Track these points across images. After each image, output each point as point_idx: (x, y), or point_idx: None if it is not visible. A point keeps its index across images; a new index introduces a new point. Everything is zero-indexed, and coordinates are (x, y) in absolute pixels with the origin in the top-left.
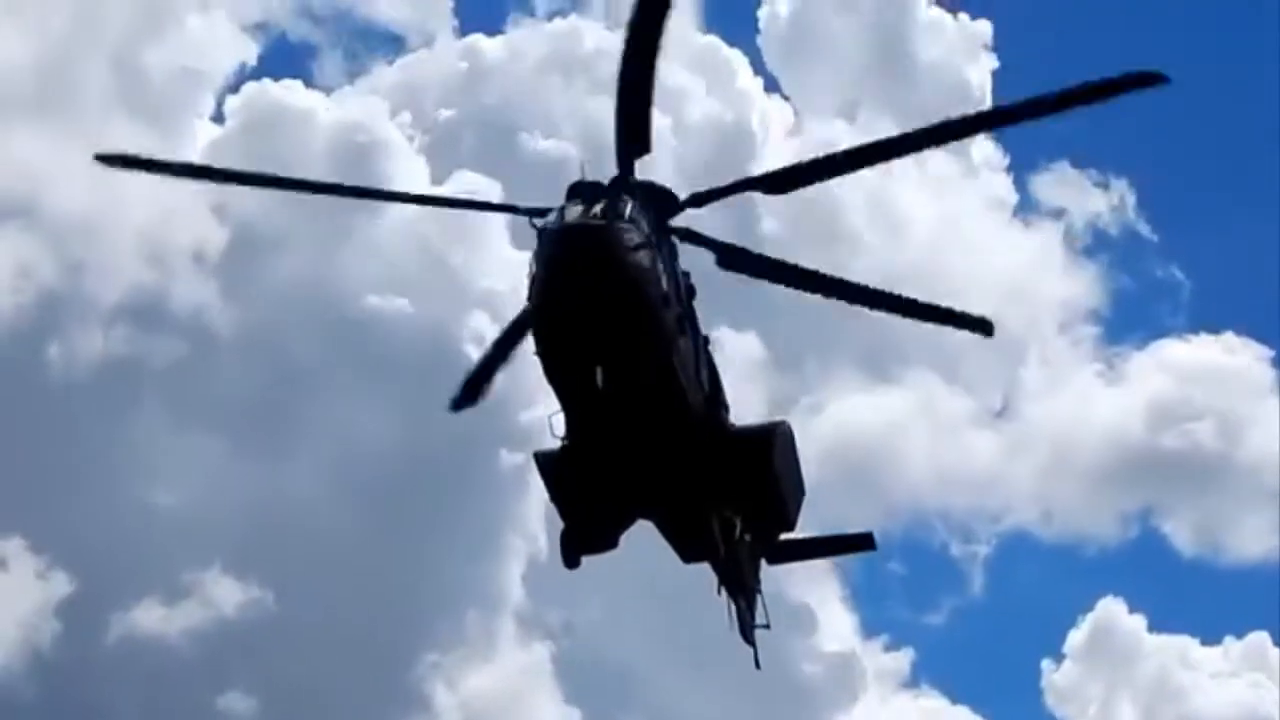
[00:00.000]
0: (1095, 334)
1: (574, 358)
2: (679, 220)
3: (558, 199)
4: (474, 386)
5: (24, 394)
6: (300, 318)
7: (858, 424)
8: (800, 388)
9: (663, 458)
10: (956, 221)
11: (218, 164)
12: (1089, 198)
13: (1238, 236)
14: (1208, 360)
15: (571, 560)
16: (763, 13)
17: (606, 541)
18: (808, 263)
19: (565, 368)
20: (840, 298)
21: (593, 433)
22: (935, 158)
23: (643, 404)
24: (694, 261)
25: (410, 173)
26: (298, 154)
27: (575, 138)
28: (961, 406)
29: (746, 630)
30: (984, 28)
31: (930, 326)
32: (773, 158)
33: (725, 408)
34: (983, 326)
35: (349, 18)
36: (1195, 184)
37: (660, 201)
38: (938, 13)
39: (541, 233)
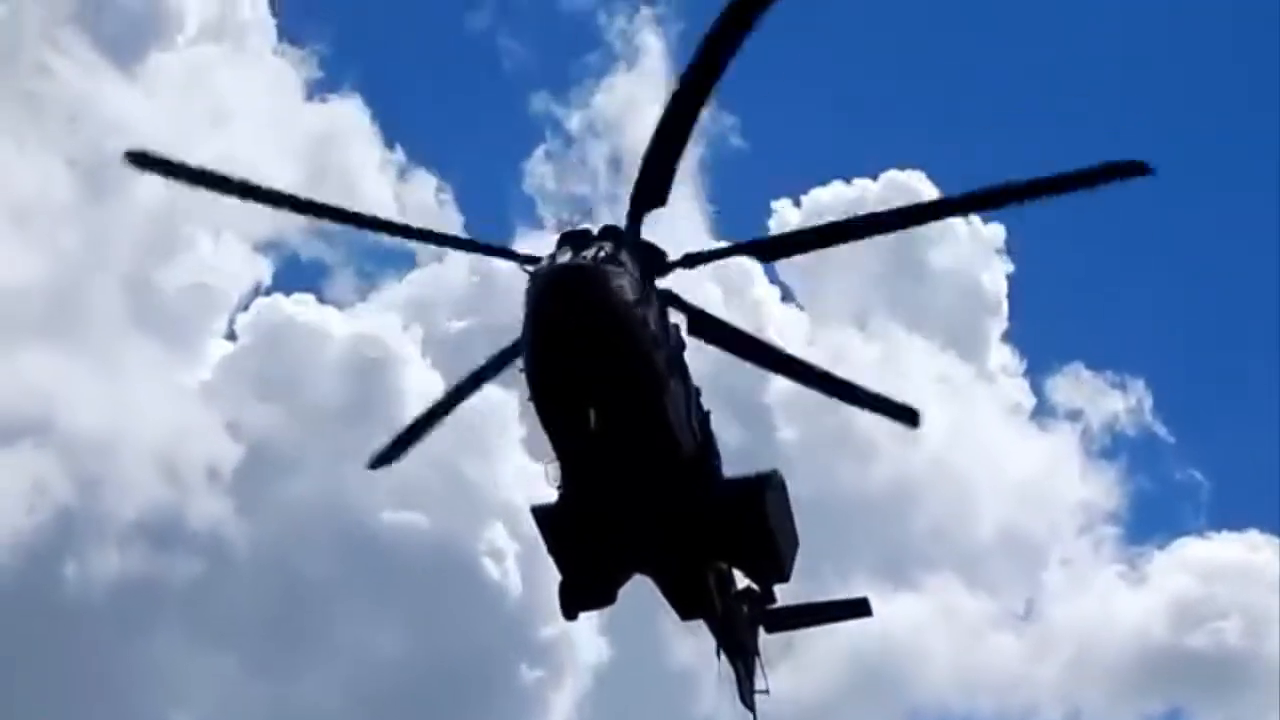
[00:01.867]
0: (1116, 535)
1: (566, 395)
2: (666, 282)
3: None
4: (401, 445)
5: (40, 614)
6: (316, 534)
7: (879, 629)
8: (819, 594)
9: (655, 501)
10: (973, 426)
11: (229, 380)
12: (1106, 399)
13: (1255, 435)
14: (1230, 558)
15: (570, 613)
16: (773, 221)
17: (604, 596)
18: (825, 473)
19: (558, 407)
20: (793, 376)
21: (587, 476)
22: (951, 363)
23: (634, 443)
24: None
25: (422, 385)
26: (310, 368)
27: None
28: (984, 610)
29: (745, 695)
30: (997, 232)
31: (952, 529)
32: None
33: (717, 457)
34: (910, 416)
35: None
36: (1211, 384)
37: (650, 258)
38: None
39: (533, 276)
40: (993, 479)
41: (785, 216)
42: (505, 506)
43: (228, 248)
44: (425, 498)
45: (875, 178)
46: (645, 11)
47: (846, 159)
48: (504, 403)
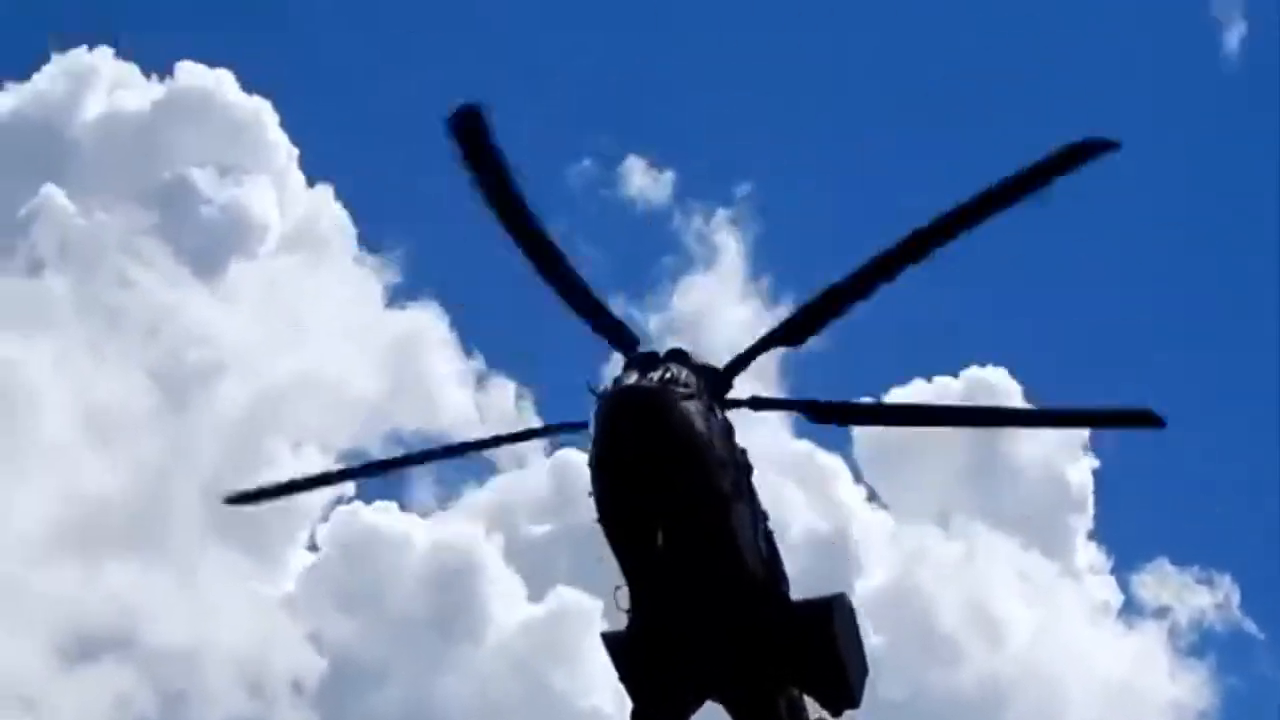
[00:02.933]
0: None
1: (632, 514)
2: (745, 391)
3: None
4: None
5: None
6: None
7: None
8: None
9: (724, 623)
10: (1060, 625)
11: (313, 591)
12: (1193, 595)
13: None
14: None
15: None
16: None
17: None
18: (907, 684)
19: (623, 526)
20: (939, 424)
21: (655, 599)
22: (1035, 561)
23: (702, 564)
24: None
25: (506, 590)
26: (392, 578)
27: None
28: None
29: None
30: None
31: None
32: (875, 567)
33: (785, 580)
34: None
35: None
36: None
37: (713, 379)
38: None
39: (600, 397)
40: (1081, 678)
41: None
42: (591, 714)
43: (309, 458)
44: (509, 706)
45: (956, 375)
46: (721, 213)
47: (927, 356)
48: (585, 606)
